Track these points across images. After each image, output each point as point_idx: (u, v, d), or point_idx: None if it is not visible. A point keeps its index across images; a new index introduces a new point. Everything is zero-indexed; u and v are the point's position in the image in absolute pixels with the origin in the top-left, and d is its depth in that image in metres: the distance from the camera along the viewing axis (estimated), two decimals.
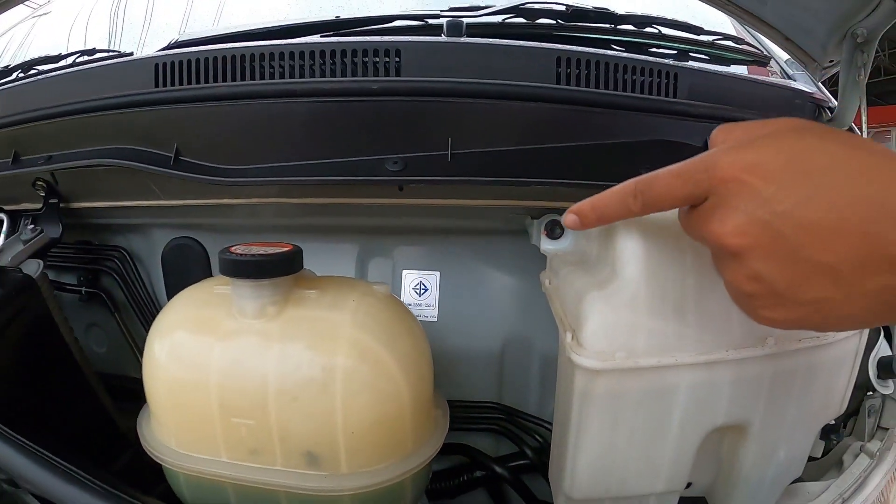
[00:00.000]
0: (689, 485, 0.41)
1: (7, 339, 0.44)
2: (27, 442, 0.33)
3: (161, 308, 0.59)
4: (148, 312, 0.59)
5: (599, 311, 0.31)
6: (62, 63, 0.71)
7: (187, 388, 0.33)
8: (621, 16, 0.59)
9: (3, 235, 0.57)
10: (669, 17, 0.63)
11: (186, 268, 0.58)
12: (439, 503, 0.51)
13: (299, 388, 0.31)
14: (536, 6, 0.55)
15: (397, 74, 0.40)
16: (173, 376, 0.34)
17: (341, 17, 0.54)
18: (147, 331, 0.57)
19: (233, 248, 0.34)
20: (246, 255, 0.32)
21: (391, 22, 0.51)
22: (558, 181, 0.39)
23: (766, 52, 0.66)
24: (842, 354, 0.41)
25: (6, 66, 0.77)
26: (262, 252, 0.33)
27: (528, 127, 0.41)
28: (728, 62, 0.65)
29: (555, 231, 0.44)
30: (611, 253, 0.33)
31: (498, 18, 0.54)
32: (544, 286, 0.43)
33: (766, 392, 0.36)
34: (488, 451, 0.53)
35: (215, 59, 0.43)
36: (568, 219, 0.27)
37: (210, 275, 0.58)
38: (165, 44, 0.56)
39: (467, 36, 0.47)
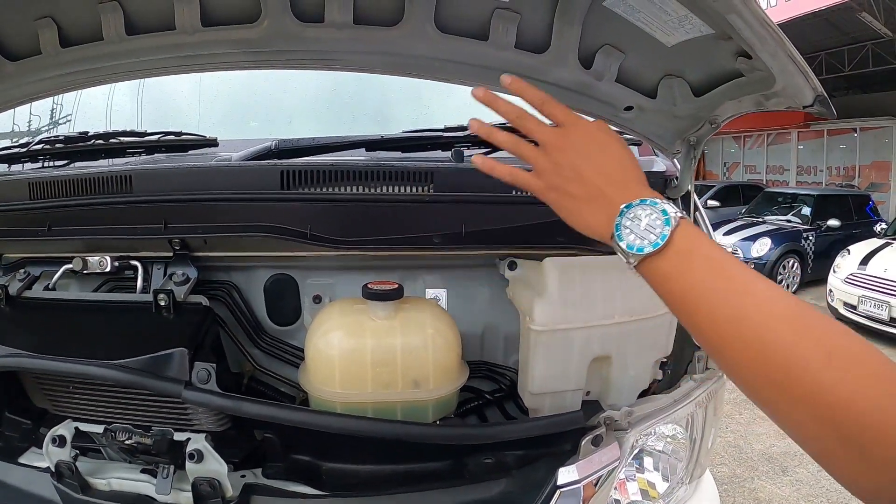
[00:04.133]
0: (588, 392, 0.89)
1: (213, 348, 0.77)
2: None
3: (261, 322, 0.94)
4: (252, 327, 0.92)
5: (540, 306, 0.78)
6: (148, 139, 1.00)
7: (353, 355, 0.72)
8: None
9: (140, 278, 0.87)
10: None
11: (283, 295, 0.93)
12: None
13: (412, 348, 0.73)
14: (496, 124, 1.01)
15: (434, 186, 0.83)
16: (343, 350, 0.73)
17: (384, 136, 0.94)
18: (252, 340, 0.92)
19: (370, 285, 0.74)
20: (383, 289, 0.72)
21: (414, 141, 0.93)
22: (516, 245, 0.85)
23: (640, 138, 1.18)
24: (657, 324, 0.92)
25: (85, 132, 1.03)
26: (388, 287, 0.73)
27: (497, 216, 0.85)
28: None
29: (512, 266, 0.90)
30: (542, 280, 0.79)
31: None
32: (509, 295, 0.89)
33: (617, 340, 0.84)
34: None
35: (325, 171, 0.80)
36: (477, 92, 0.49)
37: (299, 300, 0.93)
38: (263, 146, 0.91)
39: (466, 152, 0.91)
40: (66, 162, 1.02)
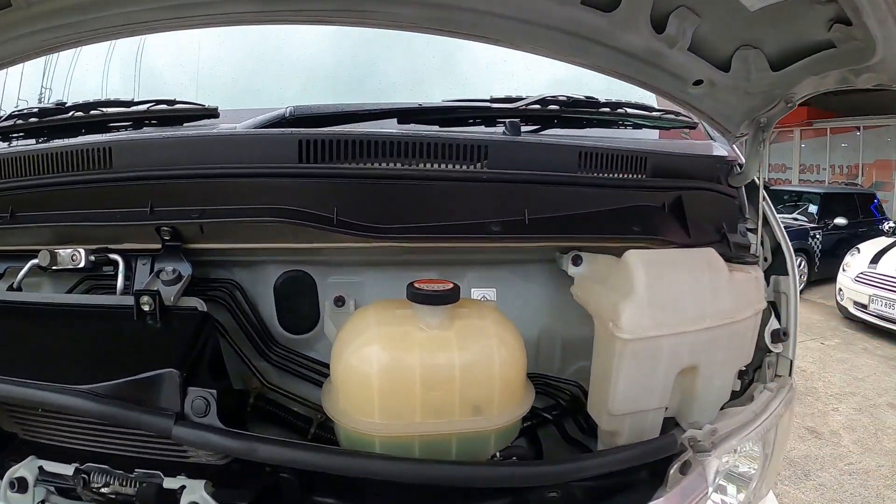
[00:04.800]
0: (666, 409, 0.74)
1: (213, 366, 0.61)
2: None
3: (270, 330, 0.77)
4: (258, 333, 0.76)
5: (628, 310, 0.63)
6: (135, 109, 0.83)
7: (398, 375, 0.56)
8: (602, 102, 0.93)
9: (122, 276, 0.70)
10: (633, 101, 0.99)
11: (297, 296, 0.77)
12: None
13: (473, 365, 0.57)
14: (549, 97, 0.87)
15: (488, 163, 0.67)
16: (385, 369, 0.56)
17: (422, 104, 0.78)
18: (259, 351, 0.75)
19: (418, 285, 0.58)
20: (436, 290, 0.57)
21: (456, 113, 0.78)
22: (587, 235, 0.69)
23: (695, 120, 1.05)
24: (745, 327, 0.78)
25: (61, 103, 0.86)
26: (441, 287, 0.57)
27: (561, 200, 0.70)
28: (670, 128, 1.04)
29: (577, 261, 0.75)
30: (627, 278, 0.65)
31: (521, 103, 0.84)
32: (576, 296, 0.74)
33: (706, 347, 0.70)
34: None
35: (354, 142, 0.64)
36: None
37: (318, 303, 0.77)
38: (275, 113, 0.74)
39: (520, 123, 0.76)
40: (40, 139, 0.84)
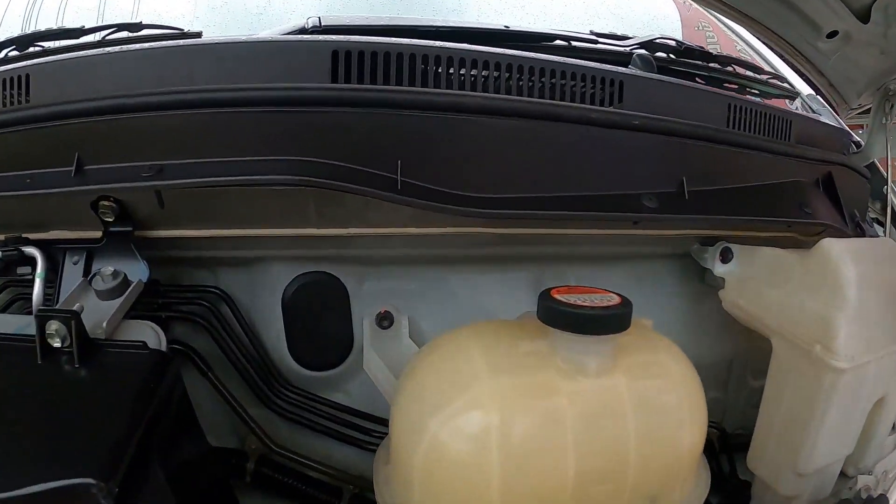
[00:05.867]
0: None
1: (171, 452, 0.33)
2: None
3: (277, 363, 0.51)
4: (258, 369, 0.49)
5: (846, 327, 0.42)
6: (88, 39, 0.54)
7: (536, 461, 0.31)
8: (714, 55, 0.73)
9: (39, 282, 0.41)
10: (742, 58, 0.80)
11: (318, 311, 0.50)
12: None
13: (654, 433, 0.34)
14: (658, 41, 0.65)
15: (621, 104, 0.44)
16: (514, 454, 0.31)
17: (510, 27, 0.53)
18: (257, 392, 0.49)
19: (558, 295, 0.33)
20: (604, 307, 0.32)
21: (550, 40, 0.54)
22: (761, 219, 0.48)
23: (797, 89, 0.87)
24: None
25: None
26: (609, 301, 0.33)
27: (715, 167, 0.48)
28: (772, 96, 0.85)
29: (727, 257, 0.54)
30: (831, 281, 0.44)
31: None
32: (732, 304, 0.52)
33: (894, 370, 0.51)
34: None
35: (426, 56, 0.39)
36: None
37: (350, 319, 0.51)
38: (291, 25, 0.48)
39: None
40: None
